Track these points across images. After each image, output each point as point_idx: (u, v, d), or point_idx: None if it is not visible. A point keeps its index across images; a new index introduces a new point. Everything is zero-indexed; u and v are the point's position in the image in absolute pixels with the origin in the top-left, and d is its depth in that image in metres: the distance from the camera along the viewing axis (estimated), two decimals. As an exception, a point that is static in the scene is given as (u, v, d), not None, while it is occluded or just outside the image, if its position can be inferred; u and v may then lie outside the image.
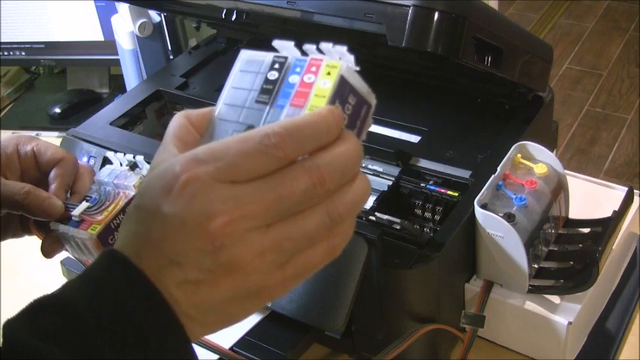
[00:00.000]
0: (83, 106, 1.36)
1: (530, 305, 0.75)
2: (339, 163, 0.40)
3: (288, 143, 0.39)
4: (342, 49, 0.43)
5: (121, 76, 1.28)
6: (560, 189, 0.79)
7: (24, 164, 0.65)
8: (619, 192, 0.87)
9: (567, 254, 0.77)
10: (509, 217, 0.72)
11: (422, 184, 0.79)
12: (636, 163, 2.42)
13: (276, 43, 0.45)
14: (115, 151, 0.68)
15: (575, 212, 0.82)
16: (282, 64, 0.44)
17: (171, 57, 1.20)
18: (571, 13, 3.31)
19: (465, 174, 0.79)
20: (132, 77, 1.22)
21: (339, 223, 0.41)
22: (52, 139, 1.20)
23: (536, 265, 0.76)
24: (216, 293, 0.39)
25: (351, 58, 0.43)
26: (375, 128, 0.87)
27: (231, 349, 0.73)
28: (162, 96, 1.00)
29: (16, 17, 1.36)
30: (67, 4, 1.32)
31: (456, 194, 0.76)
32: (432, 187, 0.78)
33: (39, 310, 0.39)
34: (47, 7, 1.33)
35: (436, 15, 0.69)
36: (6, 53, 1.39)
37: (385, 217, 0.72)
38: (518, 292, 0.76)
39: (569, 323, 0.73)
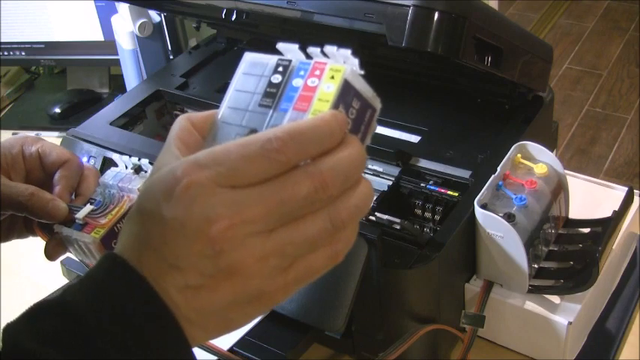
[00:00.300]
0: (83, 106, 1.36)
1: (530, 305, 0.75)
2: (342, 168, 0.40)
3: (290, 148, 0.39)
4: (347, 52, 0.43)
5: (121, 76, 1.28)
6: (560, 189, 0.79)
7: (29, 165, 0.65)
8: (619, 192, 0.87)
9: (567, 254, 0.77)
10: (509, 217, 0.72)
11: (422, 184, 0.79)
12: (636, 163, 2.42)
13: (280, 45, 0.45)
14: (121, 153, 0.68)
15: (575, 212, 0.82)
16: (285, 68, 0.44)
17: (171, 57, 1.20)
18: (571, 13, 3.32)
19: (465, 174, 0.79)
20: (132, 77, 1.22)
21: (341, 228, 0.40)
22: (52, 139, 1.20)
23: (536, 265, 0.76)
24: (216, 298, 0.39)
25: (356, 61, 0.43)
26: (374, 132, 0.87)
27: (231, 349, 0.73)
28: (163, 96, 1.00)
29: (16, 17, 1.36)
30: (67, 4, 1.32)
31: (456, 194, 0.76)
32: (432, 187, 0.78)
33: (39, 313, 0.39)
34: (47, 7, 1.33)
35: (436, 15, 0.69)
36: (6, 53, 1.39)
37: (385, 217, 0.72)
38: (518, 292, 0.76)
39: (569, 323, 0.73)
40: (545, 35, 3.14)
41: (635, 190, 0.82)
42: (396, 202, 0.79)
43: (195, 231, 0.38)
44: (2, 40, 1.37)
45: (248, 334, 0.74)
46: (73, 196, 0.65)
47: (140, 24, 1.15)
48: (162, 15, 1.18)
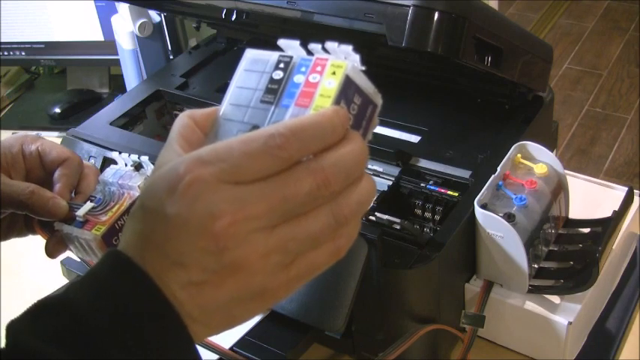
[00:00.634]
0: (83, 106, 1.36)
1: (530, 305, 0.75)
2: (344, 164, 0.40)
3: (292, 144, 0.39)
4: (348, 48, 0.43)
5: (121, 76, 1.28)
6: (560, 189, 0.79)
7: (29, 164, 0.65)
8: (619, 192, 0.87)
9: (567, 254, 0.77)
10: (509, 217, 0.72)
11: (422, 184, 0.79)
12: (636, 163, 2.42)
13: (281, 42, 0.45)
14: (120, 152, 0.68)
15: (575, 212, 0.82)
16: (287, 64, 0.44)
17: (171, 57, 1.20)
18: (571, 13, 3.32)
19: (465, 174, 0.79)
20: (132, 77, 1.22)
21: (344, 224, 0.41)
22: (52, 139, 1.19)
23: (536, 265, 0.76)
24: (220, 294, 0.39)
25: (357, 57, 0.43)
26: (376, 128, 0.87)
27: (231, 349, 0.73)
28: (163, 96, 1.00)
29: (16, 17, 1.36)
30: (67, 4, 1.32)
31: (456, 194, 0.76)
32: (432, 187, 0.78)
33: (42, 311, 0.39)
34: (47, 7, 1.33)
35: (436, 15, 0.69)
36: (6, 53, 1.39)
37: (385, 217, 0.72)
38: (518, 292, 0.76)
39: (569, 323, 0.73)
40: (545, 35, 3.14)
41: (635, 190, 0.82)
42: (396, 202, 0.79)
43: (198, 227, 0.38)
44: (2, 40, 1.37)
45: (248, 334, 0.74)
46: (73, 194, 0.65)
47: (140, 24, 1.15)
48: (162, 15, 1.18)
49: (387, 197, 0.78)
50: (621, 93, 2.76)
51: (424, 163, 0.81)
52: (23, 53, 1.39)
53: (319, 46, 0.44)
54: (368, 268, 0.68)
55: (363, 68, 0.43)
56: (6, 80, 1.53)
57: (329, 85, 0.42)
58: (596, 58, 2.98)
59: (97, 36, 1.33)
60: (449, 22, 0.69)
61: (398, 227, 0.72)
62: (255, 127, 0.43)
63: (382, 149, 0.81)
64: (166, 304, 0.38)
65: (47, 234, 0.63)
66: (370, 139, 0.44)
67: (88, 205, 0.62)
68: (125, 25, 1.18)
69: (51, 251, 0.64)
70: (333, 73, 0.42)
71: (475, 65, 0.74)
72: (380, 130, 0.88)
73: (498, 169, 0.76)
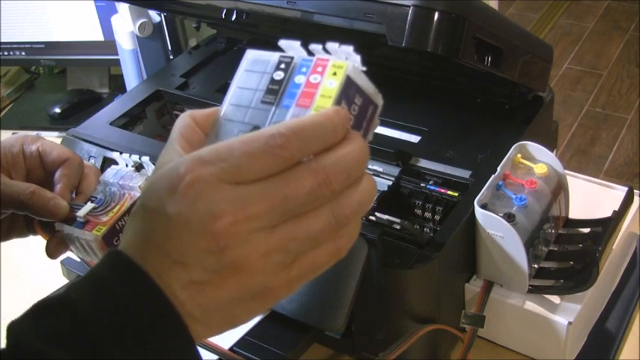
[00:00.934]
0: (83, 106, 1.36)
1: (530, 305, 0.75)
2: (344, 164, 0.40)
3: (293, 144, 0.39)
4: (349, 48, 0.43)
5: (121, 76, 1.28)
6: (560, 189, 0.79)
7: (29, 164, 0.65)
8: (619, 192, 0.87)
9: (567, 254, 0.77)
10: (509, 217, 0.72)
11: (422, 184, 0.79)
12: (636, 163, 2.42)
13: (282, 42, 0.45)
14: (121, 152, 0.68)
15: (575, 212, 0.82)
16: (288, 64, 0.44)
17: (171, 57, 1.20)
18: (571, 13, 3.32)
19: (465, 174, 0.79)
20: (132, 77, 1.22)
21: (344, 224, 0.41)
22: (52, 139, 1.19)
23: (536, 265, 0.76)
24: (220, 294, 0.39)
25: (358, 58, 0.43)
26: (376, 128, 0.88)
27: (231, 349, 0.73)
28: (163, 96, 1.00)
29: (16, 17, 1.35)
30: (67, 4, 1.32)
31: (456, 194, 0.76)
32: (432, 187, 0.78)
33: (43, 311, 0.39)
34: (47, 7, 1.33)
35: (436, 15, 0.69)
36: (6, 53, 1.39)
37: (385, 217, 0.72)
38: (518, 292, 0.76)
39: (569, 323, 0.73)
40: (545, 35, 3.14)
41: (635, 190, 0.82)
42: (396, 202, 0.79)
43: (199, 227, 0.38)
44: (2, 40, 1.37)
45: (248, 334, 0.74)
46: (74, 195, 0.65)
47: (140, 24, 1.15)
48: (162, 15, 1.18)
49: (387, 197, 0.78)
50: (621, 93, 2.76)
51: (424, 163, 0.81)
52: (23, 53, 1.39)
53: (320, 46, 0.44)
54: (368, 268, 0.68)
55: (364, 69, 0.43)
56: (6, 80, 1.53)
57: (330, 86, 0.42)
58: (596, 58, 2.98)
59: (97, 36, 1.33)
60: (449, 22, 0.69)
61: (398, 227, 0.72)
62: (256, 127, 0.43)
63: (382, 149, 0.81)
64: (167, 303, 0.38)
65: (48, 234, 0.63)
66: (370, 139, 0.44)
67: (89, 205, 0.62)
68: (125, 25, 1.18)
69: (51, 252, 0.63)
70: (334, 73, 0.42)
71: (475, 65, 0.74)
72: (380, 130, 0.88)
73: (498, 169, 0.76)
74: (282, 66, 0.44)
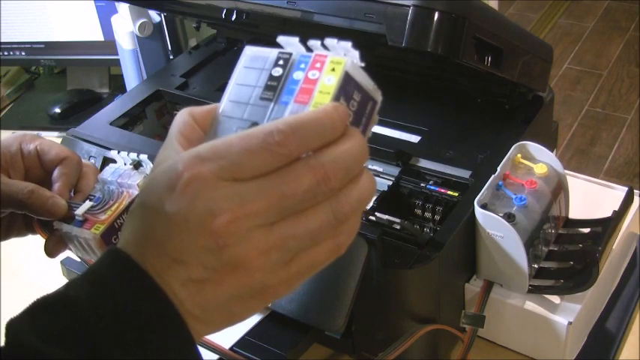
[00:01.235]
0: (83, 106, 1.36)
1: (530, 305, 0.75)
2: (343, 161, 0.40)
3: (292, 140, 0.39)
4: (347, 44, 0.43)
5: (121, 76, 1.28)
6: (560, 189, 0.79)
7: (28, 163, 0.65)
8: (619, 192, 0.87)
9: (567, 254, 0.77)
10: (509, 217, 0.72)
11: (422, 184, 0.79)
12: (636, 163, 2.42)
13: (280, 39, 0.45)
14: (119, 151, 0.68)
15: (575, 212, 0.82)
16: (286, 61, 0.44)
17: (171, 57, 1.20)
18: (571, 13, 3.31)
19: (465, 174, 0.79)
20: (132, 77, 1.22)
21: (343, 221, 0.40)
22: (52, 139, 1.19)
23: (536, 265, 0.76)
24: (220, 292, 0.39)
25: (356, 54, 0.43)
26: (375, 128, 0.87)
27: (231, 349, 0.73)
28: (163, 96, 1.00)
29: (16, 17, 1.36)
30: (67, 4, 1.32)
31: (456, 194, 0.76)
32: (432, 187, 0.78)
33: (42, 309, 0.39)
34: (47, 7, 1.33)
35: (436, 15, 0.69)
36: (6, 53, 1.39)
37: (385, 217, 0.72)
38: (518, 292, 0.76)
39: (569, 323, 0.73)
40: (545, 35, 3.14)
41: (635, 190, 0.82)
42: (396, 202, 0.79)
43: (198, 225, 0.38)
44: (2, 40, 1.37)
45: (248, 334, 0.74)
46: (72, 193, 0.65)
47: (140, 24, 1.15)
48: (162, 15, 1.18)
49: (387, 197, 0.78)
50: (621, 93, 2.76)
51: (424, 163, 0.81)
52: (23, 53, 1.39)
53: (319, 42, 0.44)
54: (368, 268, 0.68)
55: (363, 65, 0.43)
56: (6, 80, 1.53)
57: (328, 82, 0.42)
58: (596, 58, 2.98)
59: (97, 36, 1.33)
60: (449, 22, 0.69)
61: (398, 227, 0.72)
62: (255, 124, 0.43)
63: (382, 149, 0.81)
64: (166, 301, 0.38)
65: (46, 233, 0.63)
66: (370, 137, 0.44)
67: (87, 204, 0.62)
68: (125, 25, 1.18)
69: (50, 251, 0.63)
70: (333, 69, 0.42)
71: (475, 65, 0.74)
72: (380, 130, 0.88)
73: (498, 169, 0.76)
74: (281, 62, 0.44)
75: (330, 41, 0.43)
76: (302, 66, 0.43)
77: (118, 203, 0.62)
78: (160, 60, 1.19)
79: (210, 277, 0.39)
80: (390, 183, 0.80)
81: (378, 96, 0.45)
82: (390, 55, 0.89)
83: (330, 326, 0.69)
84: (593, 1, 3.36)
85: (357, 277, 0.68)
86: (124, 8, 1.16)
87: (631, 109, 2.67)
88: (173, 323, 0.39)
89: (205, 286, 0.39)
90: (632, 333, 0.81)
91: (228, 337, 0.74)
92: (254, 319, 0.76)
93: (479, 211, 0.72)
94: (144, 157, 0.65)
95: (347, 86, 0.42)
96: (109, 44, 1.30)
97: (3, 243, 0.66)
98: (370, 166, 0.84)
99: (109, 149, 0.84)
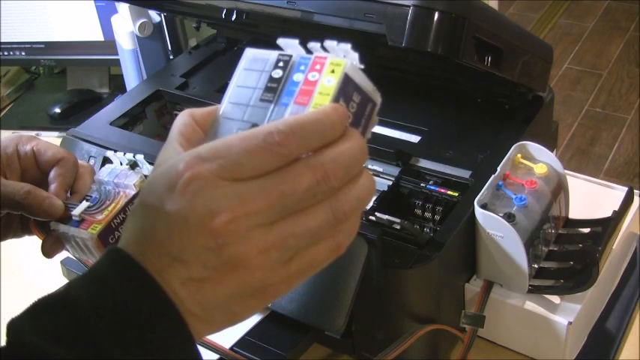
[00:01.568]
0: (83, 106, 1.36)
1: (530, 305, 0.75)
2: (343, 161, 0.40)
3: (291, 141, 0.39)
4: (347, 46, 0.43)
5: (121, 76, 1.28)
6: (560, 189, 0.79)
7: (24, 164, 0.65)
8: (619, 192, 0.87)
9: (567, 254, 0.77)
10: (509, 217, 0.72)
11: (422, 184, 0.79)
12: (636, 163, 2.42)
13: (280, 41, 0.45)
14: (115, 151, 0.68)
15: (575, 212, 0.82)
16: (286, 62, 0.44)
17: (171, 57, 1.20)
18: (571, 13, 3.31)
19: (465, 174, 0.79)
20: (132, 77, 1.22)
21: (343, 220, 0.41)
22: (52, 139, 1.20)
23: (536, 265, 0.76)
24: (220, 291, 0.39)
25: (356, 55, 0.43)
26: (375, 128, 0.88)
27: (231, 349, 0.73)
28: (163, 96, 1.00)
29: (16, 17, 1.36)
30: (67, 4, 1.32)
31: (456, 194, 0.76)
32: (432, 187, 0.78)
33: (42, 309, 0.39)
34: (47, 7, 1.33)
35: (436, 15, 0.69)
36: (6, 53, 1.39)
37: (385, 217, 0.72)
38: (518, 292, 0.76)
39: (569, 323, 0.73)
40: (545, 35, 3.14)
41: (635, 190, 0.82)
42: (396, 202, 0.79)
43: (198, 224, 0.38)
44: (2, 40, 1.37)
45: (248, 334, 0.74)
46: (69, 194, 0.65)
47: (140, 24, 1.15)
48: (162, 15, 1.18)
49: (387, 197, 0.78)
50: (621, 93, 2.76)
51: (424, 163, 0.81)
52: (23, 53, 1.39)
53: (318, 44, 0.44)
54: (368, 268, 0.68)
55: (362, 66, 0.44)
56: (6, 80, 1.53)
57: (328, 83, 0.42)
58: (596, 58, 2.98)
59: (97, 36, 1.33)
60: (449, 22, 0.69)
61: (398, 227, 0.72)
62: (255, 125, 0.43)
63: (382, 149, 0.81)
64: (166, 301, 0.39)
65: (43, 234, 0.63)
66: (369, 138, 0.44)
67: (84, 204, 0.62)
68: (125, 25, 1.18)
69: (47, 251, 0.63)
70: (332, 71, 0.42)
71: (475, 65, 0.74)
72: (380, 130, 0.88)
73: (498, 169, 0.76)
74: (281, 64, 0.44)
75: (329, 43, 0.43)
76: (302, 68, 0.44)
77: (115, 203, 0.62)
78: (160, 60, 1.19)
79: (210, 275, 0.39)
80: (390, 183, 0.80)
81: (378, 98, 0.45)
82: (390, 55, 0.89)
83: (330, 326, 0.69)
84: (593, 1, 3.36)
85: (357, 277, 0.68)
86: (124, 8, 1.16)
87: (631, 109, 2.67)
88: (173, 322, 0.39)
89: (205, 284, 0.39)
90: (632, 333, 0.81)
91: (228, 337, 0.74)
92: (254, 319, 0.76)
93: (479, 211, 0.72)
94: (140, 157, 0.65)
95: (346, 88, 0.42)
96: (109, 44, 1.30)
97: (3, 243, 0.66)
98: (370, 166, 0.84)
99: (109, 149, 0.84)
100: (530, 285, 0.75)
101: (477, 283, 0.78)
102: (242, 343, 0.73)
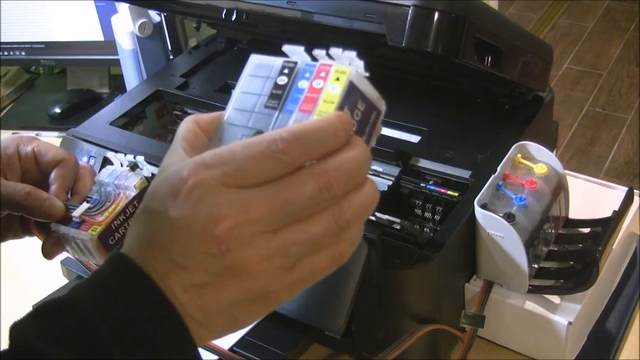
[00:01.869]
0: (83, 106, 1.36)
1: (530, 305, 0.75)
2: (346, 168, 0.40)
3: (295, 148, 0.39)
4: (352, 54, 0.43)
5: (121, 76, 1.28)
6: (560, 189, 0.79)
7: (25, 165, 0.65)
8: (619, 192, 0.87)
9: (567, 254, 0.77)
10: (509, 217, 0.72)
11: (422, 184, 0.79)
12: (636, 163, 2.42)
13: (286, 47, 0.45)
14: (116, 152, 0.68)
15: (575, 212, 0.82)
16: (291, 69, 0.44)
17: (171, 57, 1.20)
18: (571, 13, 3.31)
19: (465, 174, 0.79)
20: (132, 77, 1.22)
21: (346, 228, 0.41)
22: (52, 139, 1.20)
23: (536, 265, 0.76)
24: (222, 297, 0.39)
25: (361, 63, 0.43)
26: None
27: (231, 349, 0.73)
28: (162, 96, 1.00)
29: (16, 17, 1.36)
30: (67, 4, 1.32)
31: (456, 194, 0.76)
32: (432, 187, 0.78)
33: (45, 313, 0.39)
34: (47, 7, 1.33)
35: (436, 15, 0.69)
36: (6, 53, 1.39)
37: (385, 217, 0.72)
38: (518, 292, 0.76)
39: (569, 323, 0.73)
40: (545, 35, 3.14)
41: (635, 190, 0.82)
42: (396, 202, 0.79)
43: (201, 230, 0.38)
44: (2, 40, 1.37)
45: (248, 334, 0.74)
46: (70, 195, 0.65)
47: (140, 24, 1.15)
48: (162, 15, 1.18)
49: (387, 197, 0.78)
50: (621, 93, 2.76)
51: (424, 163, 0.81)
52: (23, 53, 1.39)
53: (323, 51, 0.44)
54: (368, 268, 0.68)
55: (367, 74, 0.44)
56: (6, 80, 1.53)
57: (332, 91, 0.42)
58: (596, 58, 2.98)
59: (97, 36, 1.33)
60: (449, 22, 0.69)
61: (398, 227, 0.72)
62: (259, 132, 0.43)
63: (382, 149, 0.81)
64: (168, 306, 0.39)
65: (44, 235, 0.63)
66: (374, 145, 0.45)
67: (84, 205, 0.62)
68: (125, 25, 1.18)
69: (48, 252, 0.64)
70: (337, 78, 0.43)
71: (475, 65, 0.74)
72: (380, 130, 0.88)
73: (498, 169, 0.76)
74: (286, 71, 0.44)
75: (334, 50, 0.44)
76: (307, 75, 0.44)
77: (115, 205, 0.62)
78: (160, 60, 1.19)
79: (212, 281, 0.39)
80: (390, 183, 0.80)
81: (382, 105, 0.45)
82: (390, 55, 0.89)
83: (330, 326, 0.69)
84: (593, 1, 3.36)
85: (357, 277, 0.68)
86: (124, 8, 1.16)
87: (631, 109, 2.67)
88: (174, 326, 0.39)
89: (207, 290, 0.39)
90: (632, 333, 0.81)
91: (228, 337, 0.73)
92: (254, 319, 0.76)
93: (479, 211, 0.72)
94: (140, 158, 0.65)
95: (351, 95, 0.42)
96: (109, 44, 1.30)
97: (3, 244, 0.66)
98: (370, 166, 0.84)
99: (109, 149, 0.84)
100: (530, 285, 0.75)
101: (477, 283, 0.78)
102: (242, 343, 0.74)
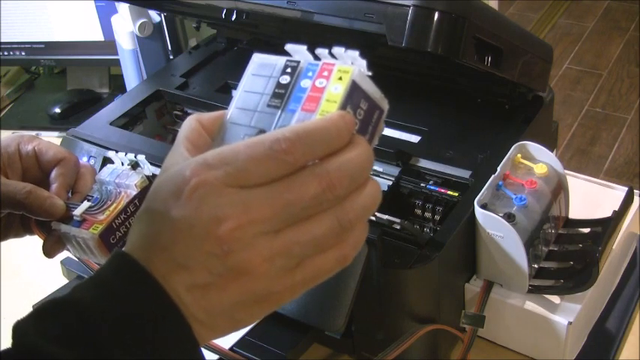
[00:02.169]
0: (83, 106, 1.36)
1: (530, 305, 0.75)
2: (349, 169, 0.40)
3: (298, 148, 0.39)
4: (355, 53, 0.43)
5: (121, 76, 1.28)
6: (560, 189, 0.79)
7: (25, 164, 0.65)
8: (619, 192, 0.87)
9: (567, 254, 0.77)
10: (509, 217, 0.72)
11: (422, 184, 0.79)
12: (636, 163, 2.42)
13: (288, 47, 0.45)
14: (117, 151, 0.68)
15: (575, 212, 0.82)
16: (294, 69, 0.44)
17: (171, 57, 1.20)
18: (571, 13, 3.32)
19: (465, 174, 0.79)
20: (132, 77, 1.22)
21: (348, 228, 0.41)
22: (52, 139, 1.20)
23: (536, 265, 0.76)
24: (224, 297, 0.39)
25: (364, 62, 0.43)
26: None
27: (231, 349, 0.73)
28: (163, 96, 1.00)
29: (16, 17, 1.36)
30: (67, 4, 1.32)
31: (456, 194, 0.76)
32: (432, 187, 0.78)
33: (48, 312, 0.39)
34: (47, 7, 1.33)
35: (436, 15, 0.69)
36: (6, 53, 1.39)
37: (385, 217, 0.72)
38: (518, 292, 0.76)
39: (569, 323, 0.73)
40: (545, 35, 3.14)
41: (635, 190, 0.82)
42: (396, 202, 0.79)
43: (203, 230, 0.38)
44: (2, 40, 1.37)
45: (248, 334, 0.74)
46: (70, 194, 0.65)
47: (140, 24, 1.15)
48: (162, 15, 1.18)
49: (387, 197, 0.78)
50: (621, 93, 2.76)
51: (424, 163, 0.81)
52: (23, 53, 1.39)
53: (326, 51, 0.44)
54: (368, 268, 0.68)
55: (370, 74, 0.44)
56: (6, 80, 1.53)
57: (335, 90, 0.42)
58: (596, 58, 2.98)
59: (97, 36, 1.33)
60: (449, 22, 0.69)
61: (398, 227, 0.72)
62: (262, 131, 0.43)
63: (382, 149, 0.81)
64: (171, 306, 0.39)
65: (44, 234, 0.63)
66: (376, 144, 0.45)
67: (85, 204, 0.62)
68: (125, 25, 1.18)
69: (48, 251, 0.64)
70: (340, 78, 0.43)
71: (475, 65, 0.74)
72: (380, 130, 0.88)
73: (498, 169, 0.76)
74: (289, 70, 0.44)
75: (337, 50, 0.44)
76: (309, 74, 0.44)
77: (116, 203, 0.62)
78: (160, 60, 1.19)
79: (214, 282, 0.39)
80: (390, 183, 0.80)
81: (385, 105, 0.45)
82: (390, 55, 0.89)
83: (330, 326, 0.69)
84: (593, 1, 3.37)
85: (357, 277, 0.68)
86: (124, 8, 1.16)
87: (631, 109, 2.67)
88: (178, 326, 0.39)
89: (210, 291, 0.39)
90: (632, 333, 0.81)
91: (228, 336, 0.74)
92: (254, 319, 0.76)
93: (479, 211, 0.72)
94: (141, 157, 0.65)
95: (354, 95, 0.42)
96: (109, 44, 1.30)
97: (3, 243, 0.66)
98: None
99: (109, 149, 0.84)
100: (530, 285, 0.75)
101: (477, 283, 0.78)
102: (242, 343, 0.74)
